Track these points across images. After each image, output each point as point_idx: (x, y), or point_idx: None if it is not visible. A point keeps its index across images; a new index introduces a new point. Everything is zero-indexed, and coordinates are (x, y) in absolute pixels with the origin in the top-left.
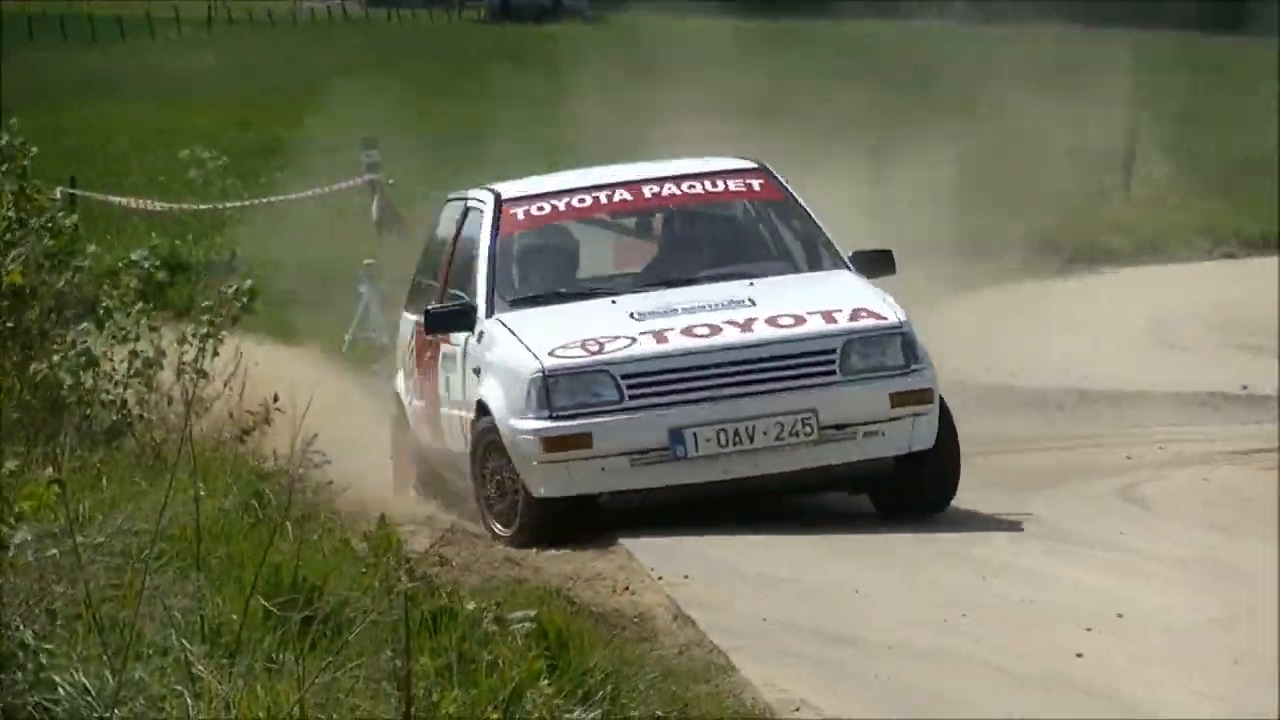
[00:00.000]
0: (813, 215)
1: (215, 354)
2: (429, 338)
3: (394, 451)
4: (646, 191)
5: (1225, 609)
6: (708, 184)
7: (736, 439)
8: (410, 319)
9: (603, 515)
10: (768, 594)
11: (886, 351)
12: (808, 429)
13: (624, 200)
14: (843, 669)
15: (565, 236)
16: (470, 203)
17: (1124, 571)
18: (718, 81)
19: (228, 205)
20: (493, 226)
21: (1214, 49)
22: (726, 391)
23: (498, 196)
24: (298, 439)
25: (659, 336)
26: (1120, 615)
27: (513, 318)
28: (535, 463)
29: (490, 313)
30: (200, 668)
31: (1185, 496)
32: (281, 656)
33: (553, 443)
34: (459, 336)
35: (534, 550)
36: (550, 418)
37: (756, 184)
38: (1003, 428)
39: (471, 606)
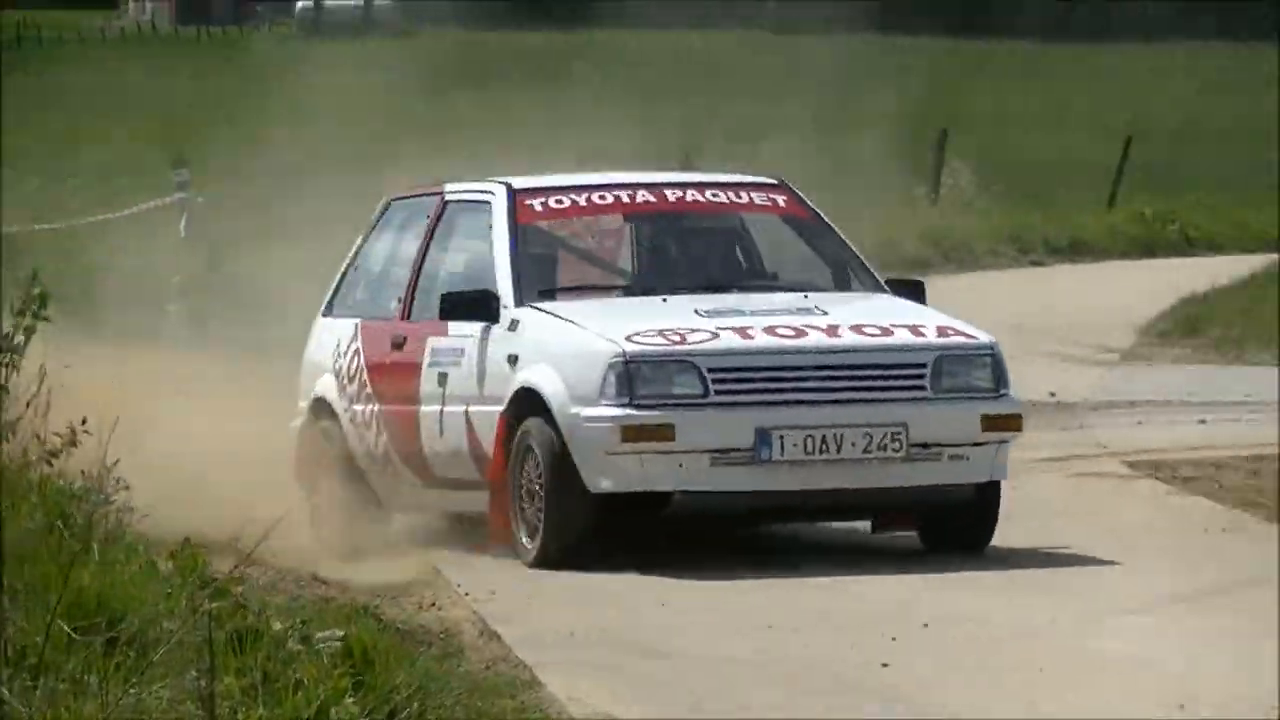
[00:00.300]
0: (840, 234)
1: (16, 369)
2: (402, 332)
3: (304, 467)
4: (670, 195)
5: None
6: (731, 194)
7: (824, 446)
8: (345, 322)
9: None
10: (574, 607)
11: (976, 372)
12: (896, 444)
13: (646, 202)
14: (649, 681)
15: (584, 233)
16: (454, 196)
17: (932, 582)
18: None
19: (37, 227)
20: (509, 216)
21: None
22: (816, 396)
23: (509, 187)
24: (104, 460)
25: (742, 333)
26: (926, 624)
27: (557, 307)
28: (606, 453)
29: (521, 302)
30: (4, 691)
31: None
32: (86, 678)
33: (633, 431)
34: (461, 328)
35: (346, 565)
36: (630, 405)
37: (780, 199)
38: None
39: (277, 626)
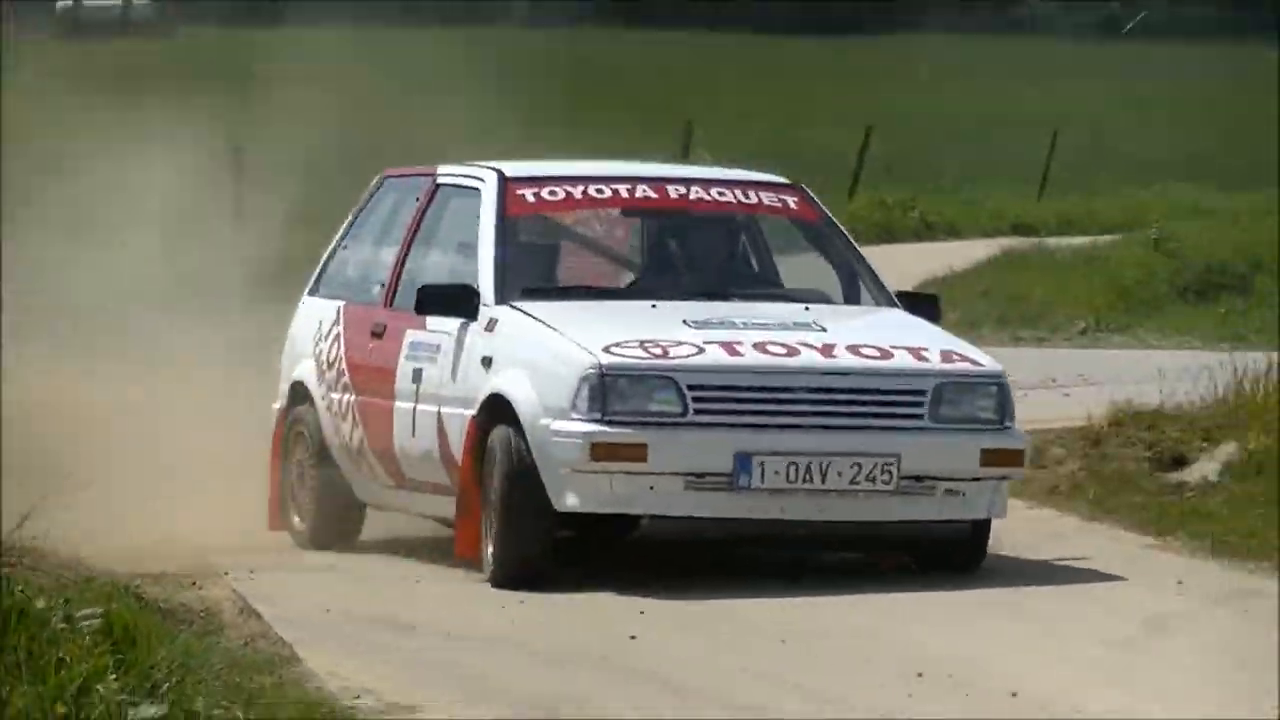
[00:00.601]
0: (853, 242)
1: None
2: (382, 321)
3: (274, 469)
4: (672, 191)
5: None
6: (739, 193)
7: (808, 475)
8: (329, 304)
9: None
10: (332, 586)
11: (980, 402)
12: (886, 476)
13: (647, 197)
14: (404, 657)
15: (580, 228)
16: (446, 180)
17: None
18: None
19: None
20: (498, 207)
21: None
22: (803, 420)
23: (501, 174)
24: None
25: (729, 348)
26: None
27: (538, 308)
28: (573, 470)
29: (501, 300)
30: None
31: None
32: None
33: (603, 449)
34: (440, 323)
35: (108, 548)
36: (602, 420)
37: (792, 202)
38: None
39: (41, 605)
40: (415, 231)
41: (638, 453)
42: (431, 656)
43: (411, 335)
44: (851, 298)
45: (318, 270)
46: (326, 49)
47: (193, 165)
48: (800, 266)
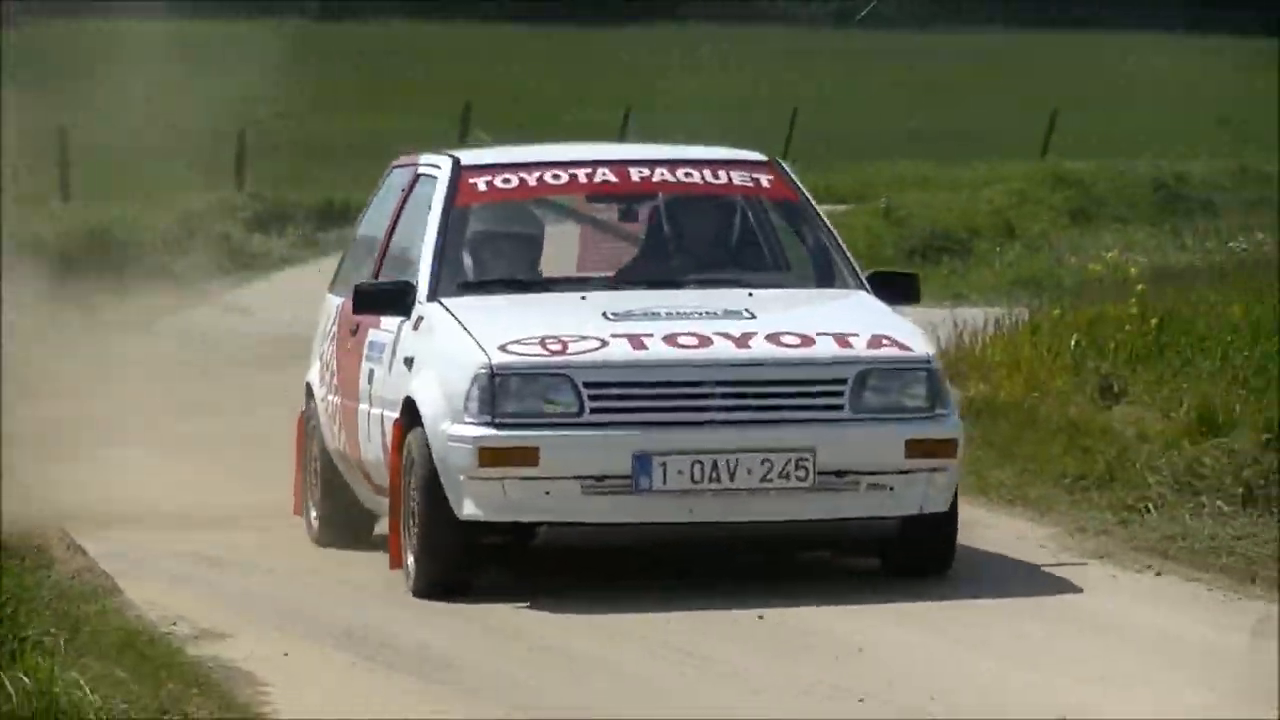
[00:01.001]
0: (827, 222)
1: None
2: (356, 319)
3: (298, 458)
4: (634, 174)
5: None
6: (708, 173)
7: (714, 475)
8: (334, 300)
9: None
10: (149, 524)
11: (908, 389)
12: (801, 472)
13: (606, 182)
14: (216, 587)
15: (530, 218)
16: (421, 169)
17: None
18: None
19: None
20: (447, 196)
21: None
22: (708, 416)
23: (456, 162)
24: None
25: (635, 341)
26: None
27: (460, 304)
28: (465, 477)
29: (433, 295)
30: None
31: None
32: None
33: (490, 454)
34: (392, 322)
35: None
36: (492, 424)
37: (765, 179)
38: None
39: None
40: (395, 224)
41: (529, 456)
42: (241, 586)
43: (371, 334)
44: (825, 279)
45: (337, 264)
46: (142, 39)
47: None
48: (765, 248)
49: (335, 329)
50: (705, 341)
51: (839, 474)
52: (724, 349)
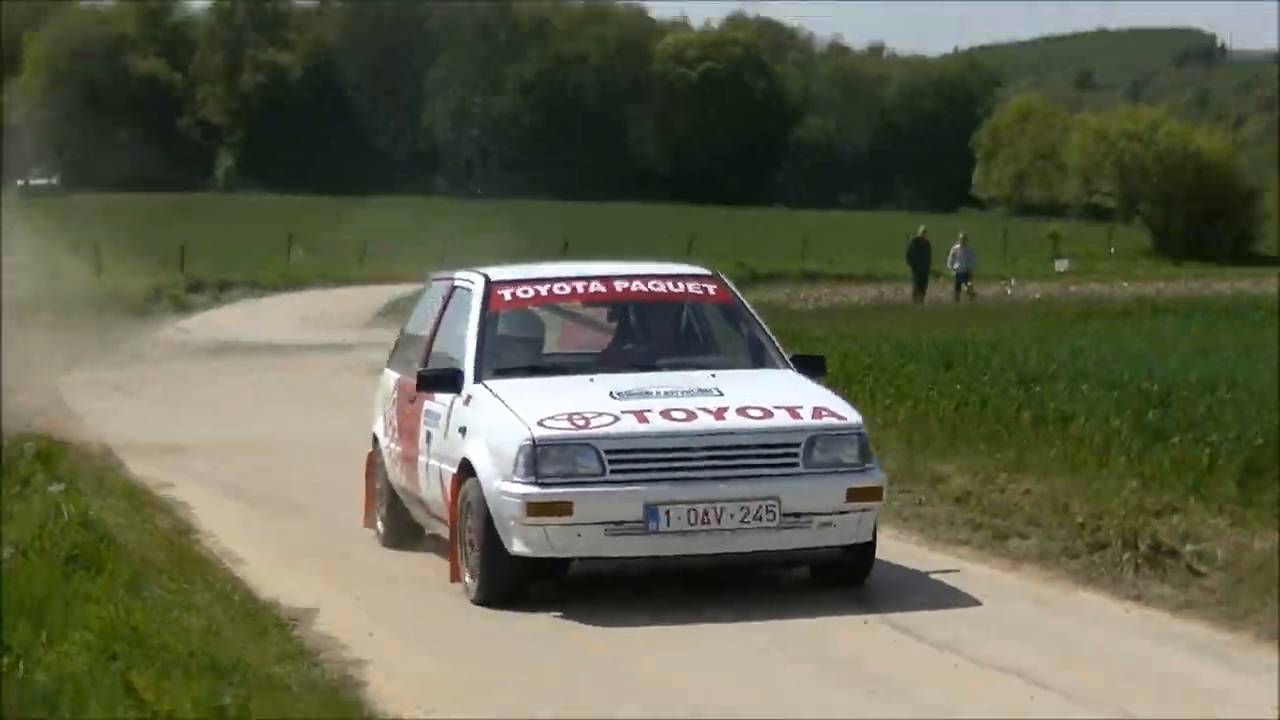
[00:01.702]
0: (758, 319)
1: None
2: (413, 393)
3: (368, 485)
4: (618, 286)
5: None
6: (670, 284)
7: (705, 519)
8: (392, 375)
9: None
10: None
11: (845, 449)
12: (770, 515)
13: (598, 292)
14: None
15: (537, 319)
16: (458, 282)
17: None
18: None
19: None
20: (483, 304)
21: None
22: (699, 474)
23: (488, 279)
24: None
25: (640, 416)
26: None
27: (500, 386)
28: (515, 523)
29: (478, 379)
30: None
31: None
32: None
33: (536, 507)
34: (445, 396)
35: None
36: (536, 483)
37: (711, 289)
38: None
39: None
40: (439, 323)
41: (565, 508)
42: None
43: (427, 405)
44: (757, 362)
45: (391, 348)
46: None
47: None
48: (716, 339)
49: (396, 395)
50: (691, 415)
51: (797, 515)
52: (706, 421)
